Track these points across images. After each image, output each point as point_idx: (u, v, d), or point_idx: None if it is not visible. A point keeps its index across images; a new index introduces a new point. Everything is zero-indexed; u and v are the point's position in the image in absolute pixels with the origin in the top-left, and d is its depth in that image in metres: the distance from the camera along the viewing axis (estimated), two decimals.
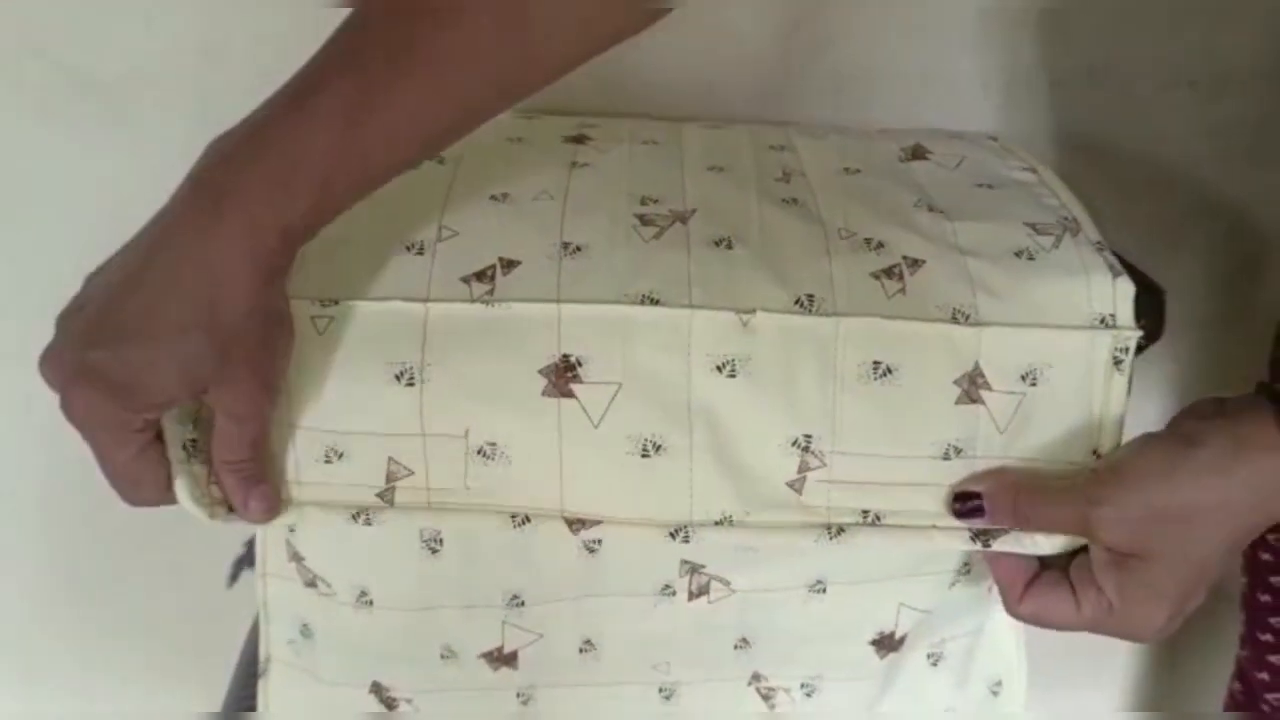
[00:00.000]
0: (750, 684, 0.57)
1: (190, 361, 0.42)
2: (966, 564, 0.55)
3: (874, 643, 0.56)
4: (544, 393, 0.48)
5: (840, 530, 0.50)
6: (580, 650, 0.55)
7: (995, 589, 0.58)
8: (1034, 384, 0.50)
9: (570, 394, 0.48)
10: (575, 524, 0.49)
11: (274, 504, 0.49)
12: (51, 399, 0.45)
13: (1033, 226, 0.53)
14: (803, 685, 0.57)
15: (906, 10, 0.71)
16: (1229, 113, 0.77)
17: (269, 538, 0.55)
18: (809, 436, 0.49)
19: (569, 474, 0.48)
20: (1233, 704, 0.83)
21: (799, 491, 0.50)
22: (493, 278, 0.49)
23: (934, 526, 0.51)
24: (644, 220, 0.52)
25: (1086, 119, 0.75)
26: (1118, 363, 0.50)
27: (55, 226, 0.86)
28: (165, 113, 0.80)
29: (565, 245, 0.50)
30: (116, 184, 0.85)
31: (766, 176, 0.56)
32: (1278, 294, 0.77)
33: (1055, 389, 0.50)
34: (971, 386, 0.49)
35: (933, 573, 0.55)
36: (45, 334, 0.47)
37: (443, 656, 0.54)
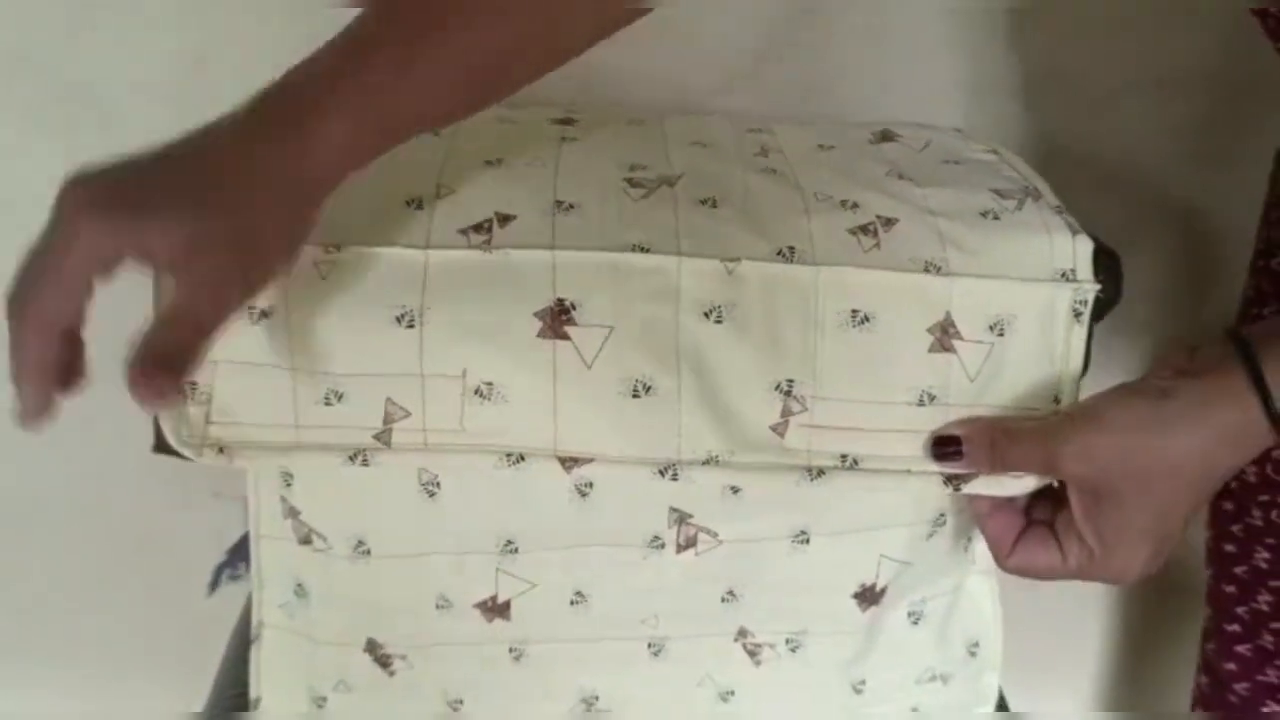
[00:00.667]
0: (736, 639, 0.58)
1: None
2: (942, 515, 0.57)
3: (856, 595, 0.58)
4: (539, 334, 0.50)
5: (820, 473, 0.52)
6: (572, 602, 0.56)
7: (972, 548, 0.61)
8: (1001, 334, 0.52)
9: (564, 336, 0.50)
10: (568, 462, 0.51)
11: (172, 396, 0.42)
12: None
13: (997, 192, 0.56)
14: (788, 640, 0.58)
15: (876, 16, 0.75)
16: (1185, 113, 0.81)
17: (263, 498, 0.56)
18: (791, 381, 0.51)
19: (562, 413, 0.50)
20: (1200, 698, 0.85)
21: (781, 435, 0.52)
22: (489, 230, 0.51)
23: (909, 471, 0.53)
24: (633, 183, 0.54)
25: (1048, 119, 0.79)
26: (1077, 315, 0.53)
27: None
28: (155, 121, 0.81)
29: (559, 203, 0.52)
30: None
31: (746, 152, 0.59)
32: (1234, 288, 0.80)
33: (1021, 339, 0.53)
34: (944, 335, 0.52)
35: (909, 524, 0.56)
36: None
37: (438, 606, 0.55)
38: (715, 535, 0.55)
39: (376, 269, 0.50)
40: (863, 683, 0.61)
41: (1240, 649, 0.80)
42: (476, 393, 0.50)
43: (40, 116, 0.84)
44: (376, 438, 0.51)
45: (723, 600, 0.57)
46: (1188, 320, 0.90)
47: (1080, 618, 1.08)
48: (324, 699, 0.59)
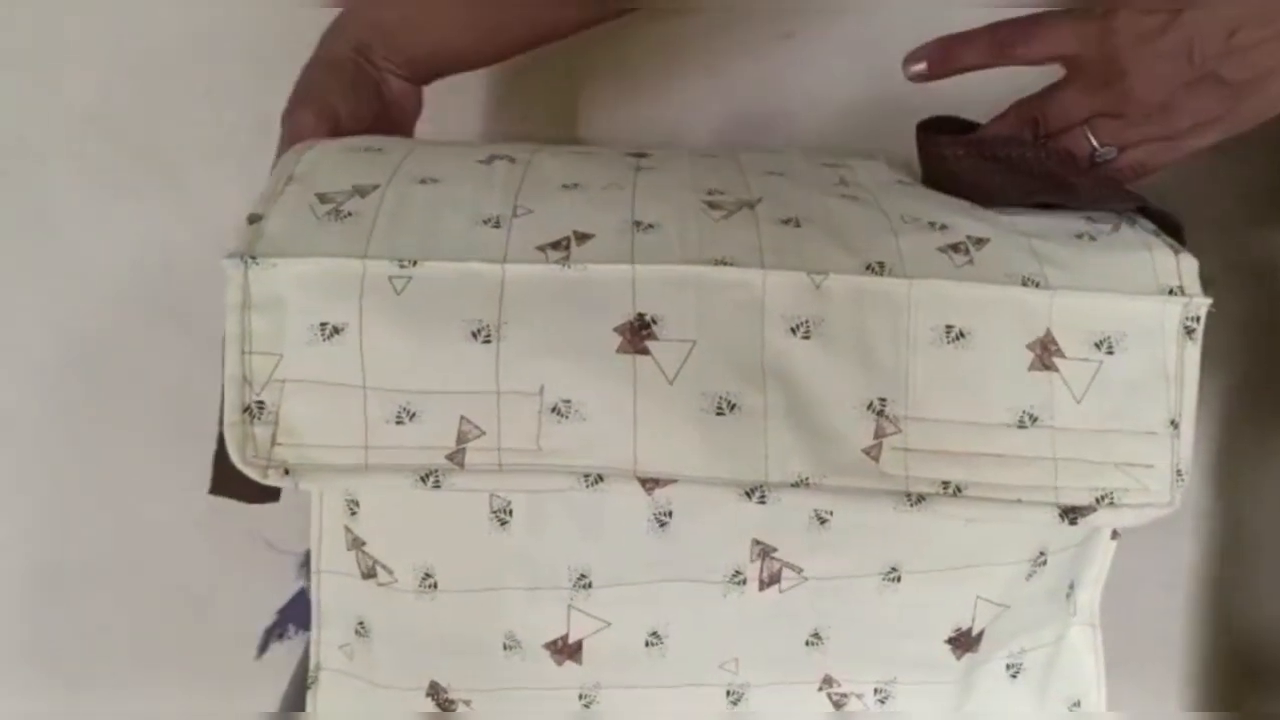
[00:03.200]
0: (821, 689, 0.54)
1: None
2: (1042, 554, 0.53)
3: (950, 641, 0.54)
4: (619, 350, 0.48)
5: (921, 499, 0.49)
6: (647, 644, 0.53)
7: (1074, 596, 0.57)
8: (1110, 352, 0.50)
9: (645, 351, 0.48)
10: (649, 483, 0.48)
11: None
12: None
13: (1089, 218, 0.54)
14: (876, 690, 0.55)
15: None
16: (1257, 174, 0.80)
17: (325, 529, 0.54)
18: (884, 400, 0.49)
19: (643, 431, 0.48)
20: None
21: (876, 459, 0.49)
22: (568, 247, 0.50)
23: (1019, 501, 0.50)
24: (712, 205, 0.53)
25: None
26: (1189, 331, 0.50)
27: (114, 290, 0.88)
28: (220, 182, 0.83)
29: (637, 223, 0.51)
30: (171, 249, 0.88)
31: (825, 181, 0.58)
32: None
33: (1131, 358, 0.50)
34: (1044, 353, 0.49)
35: (1008, 563, 0.53)
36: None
37: (506, 647, 0.52)
38: (800, 571, 0.52)
39: (452, 284, 0.48)
40: None
41: None
42: (554, 410, 0.48)
43: (111, 179, 0.85)
44: (449, 458, 0.49)
45: (807, 644, 0.53)
46: (1264, 377, 0.87)
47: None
48: None
